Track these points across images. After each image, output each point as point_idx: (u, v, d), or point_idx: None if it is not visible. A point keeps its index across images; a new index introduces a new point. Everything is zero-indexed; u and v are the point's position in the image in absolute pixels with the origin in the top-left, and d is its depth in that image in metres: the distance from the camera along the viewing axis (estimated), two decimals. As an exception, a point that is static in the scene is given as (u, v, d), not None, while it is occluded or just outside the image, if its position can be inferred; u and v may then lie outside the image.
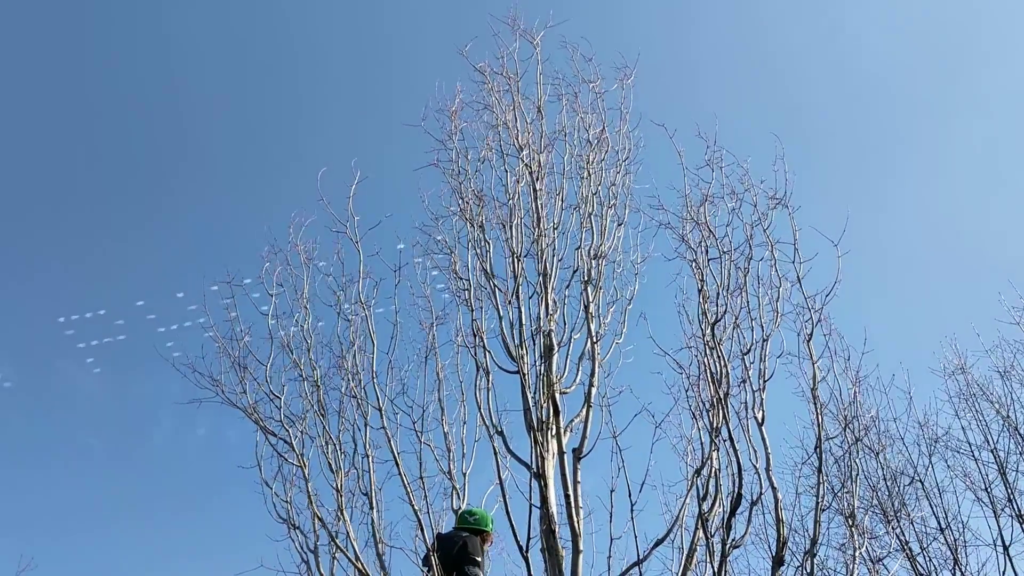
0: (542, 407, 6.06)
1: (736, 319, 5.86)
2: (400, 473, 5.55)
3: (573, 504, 5.59)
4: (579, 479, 5.74)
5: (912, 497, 9.91)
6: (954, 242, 22.02)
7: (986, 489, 9.86)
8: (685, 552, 5.59)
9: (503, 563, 6.86)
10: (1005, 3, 21.80)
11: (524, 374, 6.17)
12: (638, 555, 5.19)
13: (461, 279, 6.82)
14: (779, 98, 22.54)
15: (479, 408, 6.38)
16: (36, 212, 23.79)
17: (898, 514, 9.57)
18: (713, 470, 5.44)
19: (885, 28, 23.03)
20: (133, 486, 21.66)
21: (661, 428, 5.58)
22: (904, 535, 9.56)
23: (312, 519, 6.00)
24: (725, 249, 6.11)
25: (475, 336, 6.51)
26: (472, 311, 6.60)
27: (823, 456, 5.60)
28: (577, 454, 5.83)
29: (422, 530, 5.24)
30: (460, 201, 7.07)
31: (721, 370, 5.56)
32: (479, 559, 5.50)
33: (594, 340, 6.35)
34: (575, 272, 6.73)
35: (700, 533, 5.30)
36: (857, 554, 6.10)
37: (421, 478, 5.82)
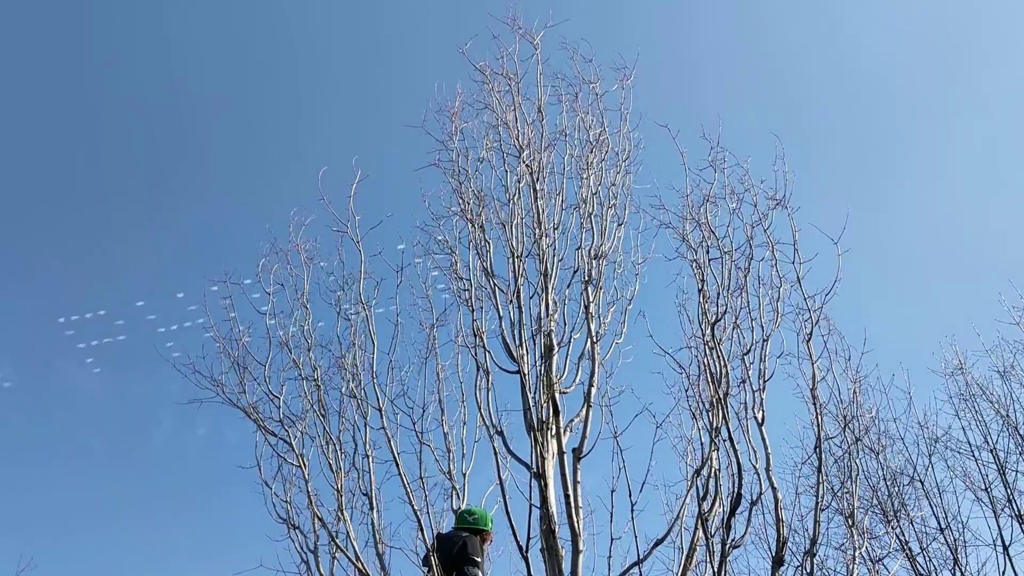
0: (542, 407, 6.07)
1: (736, 319, 5.87)
2: (400, 473, 5.55)
3: (573, 504, 5.59)
4: (579, 479, 5.75)
5: (912, 497, 9.93)
6: (954, 242, 22.04)
7: (986, 489, 9.87)
8: (685, 552, 5.60)
9: (502, 563, 6.87)
10: (1005, 3, 21.81)
11: (524, 374, 6.17)
12: (638, 555, 5.20)
13: (462, 279, 6.82)
14: (779, 98, 22.55)
15: (479, 408, 6.39)
16: (36, 212, 23.81)
17: (898, 514, 9.58)
18: (713, 470, 5.44)
19: (885, 28, 23.05)
20: (133, 486, 21.67)
21: (662, 428, 5.59)
22: (904, 535, 9.58)
23: (312, 519, 6.01)
24: (726, 249, 6.12)
25: (475, 336, 6.52)
26: (472, 311, 6.61)
27: (823, 456, 5.60)
28: (577, 454, 5.83)
29: (422, 530, 5.25)
30: (461, 201, 7.07)
31: (721, 370, 5.57)
32: (479, 559, 5.50)
33: (594, 340, 6.36)
34: (575, 272, 6.74)
35: (700, 533, 5.31)
36: (857, 554, 6.10)
37: (421, 478, 5.83)
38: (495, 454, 5.88)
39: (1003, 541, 9.51)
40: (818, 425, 5.71)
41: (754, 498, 5.33)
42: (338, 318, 6.69)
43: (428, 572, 5.25)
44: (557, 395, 6.12)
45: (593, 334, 6.38)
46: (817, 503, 5.47)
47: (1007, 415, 10.13)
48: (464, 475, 6.67)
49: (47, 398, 22.02)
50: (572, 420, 6.13)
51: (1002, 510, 9.71)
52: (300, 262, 6.94)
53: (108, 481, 22.45)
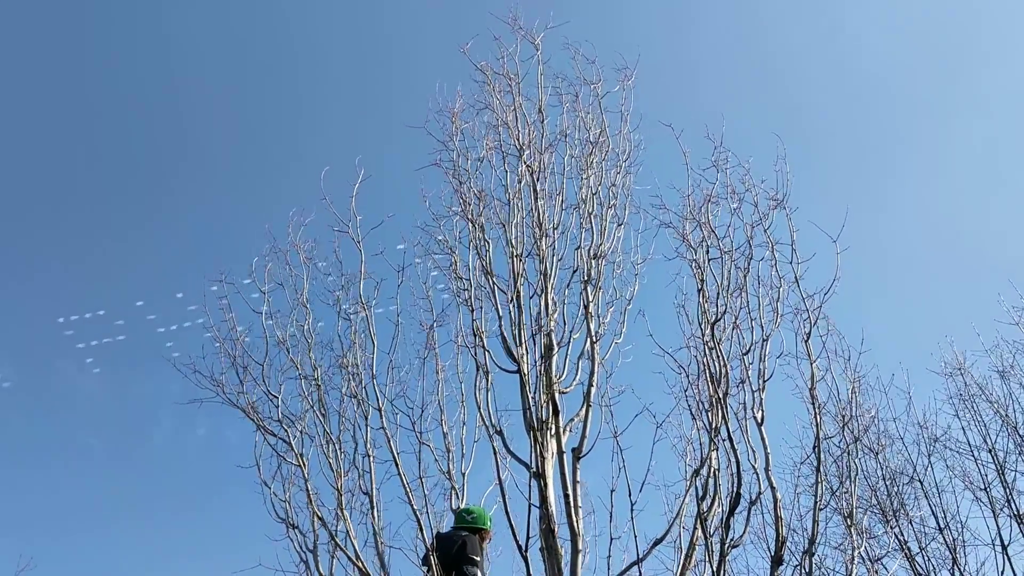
0: (542, 407, 6.08)
1: (736, 319, 5.88)
2: (400, 473, 5.56)
3: (572, 503, 5.60)
4: (578, 478, 5.76)
5: (911, 497, 9.94)
6: (954, 242, 22.05)
7: (985, 489, 9.88)
8: (684, 552, 5.61)
9: (501, 563, 6.88)
10: (1005, 3, 21.82)
11: (524, 373, 6.18)
12: (637, 554, 5.21)
13: (462, 279, 6.83)
14: (779, 98, 22.56)
15: (479, 408, 6.40)
16: (36, 212, 23.80)
17: (897, 514, 9.59)
18: (712, 470, 5.46)
19: (885, 28, 23.05)
20: (133, 486, 21.67)
21: (661, 428, 5.60)
22: (903, 535, 9.59)
23: (311, 518, 6.03)
24: (726, 249, 6.13)
25: (475, 336, 6.53)
26: (472, 311, 6.62)
27: (821, 456, 5.62)
28: (576, 454, 5.84)
29: (421, 530, 5.26)
30: (461, 201, 7.08)
31: (721, 370, 5.58)
32: (478, 558, 5.51)
33: (593, 340, 6.37)
34: (575, 272, 6.76)
35: (699, 532, 5.32)
36: (856, 553, 6.11)
37: (420, 478, 5.84)
38: (495, 454, 5.88)
39: (1002, 541, 9.52)
40: (817, 425, 5.73)
41: (753, 498, 5.34)
42: (338, 318, 6.72)
43: (428, 572, 5.27)
44: (557, 395, 6.13)
45: (593, 334, 6.39)
46: (816, 503, 5.48)
47: (1006, 415, 10.15)
48: (464, 475, 6.69)
49: (47, 398, 22.04)
50: (572, 420, 6.15)
51: (1001, 510, 9.73)
52: (299, 262, 6.96)
53: (108, 481, 22.47)
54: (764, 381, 5.71)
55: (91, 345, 14.22)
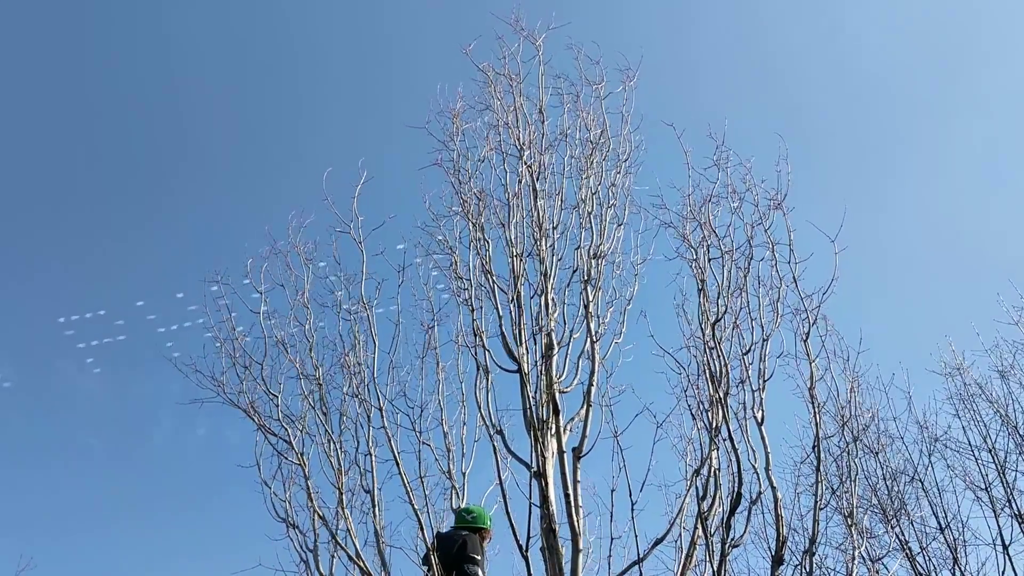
0: (542, 406, 6.08)
1: (735, 319, 5.88)
2: (400, 472, 5.57)
3: (573, 503, 5.60)
4: (579, 478, 5.76)
5: (911, 497, 9.94)
6: (954, 242, 22.04)
7: (986, 489, 9.88)
8: (684, 551, 5.61)
9: (501, 563, 6.89)
10: (1005, 3, 21.83)
11: (525, 373, 6.19)
12: (638, 554, 5.21)
13: (462, 279, 6.84)
14: (780, 98, 22.57)
15: (479, 407, 6.41)
16: (36, 212, 23.80)
17: (898, 513, 9.59)
18: (712, 469, 5.46)
19: (885, 28, 23.06)
20: (133, 486, 21.67)
21: (662, 428, 5.60)
22: (904, 534, 9.59)
23: (312, 517, 6.03)
24: (726, 249, 6.13)
25: (475, 336, 6.54)
26: (472, 311, 6.62)
27: (821, 455, 5.62)
28: (577, 453, 5.84)
29: (422, 529, 5.26)
30: (462, 201, 7.09)
31: (721, 370, 5.58)
32: (478, 557, 5.52)
33: (594, 340, 6.38)
34: (575, 272, 6.76)
35: (700, 532, 5.32)
36: (856, 553, 6.12)
37: (421, 478, 5.84)
38: (495, 453, 5.88)
39: (1003, 540, 9.52)
40: (816, 424, 5.73)
41: (754, 497, 5.35)
42: (338, 318, 6.73)
43: (428, 571, 5.27)
44: (557, 394, 6.13)
45: (593, 334, 6.39)
46: (816, 502, 5.49)
47: (1006, 415, 10.15)
48: (464, 474, 6.70)
49: (47, 398, 22.04)
50: (572, 419, 6.15)
51: (1002, 510, 9.72)
52: (300, 263, 6.97)
53: (108, 481, 22.47)
54: (764, 381, 5.72)
55: (91, 345, 14.23)
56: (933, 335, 13.85)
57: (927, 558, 9.56)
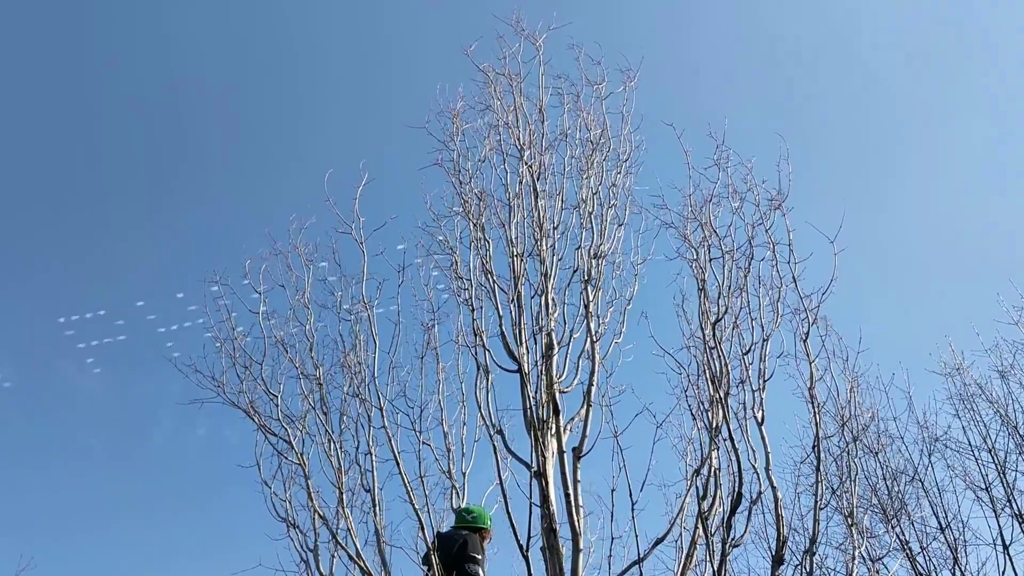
0: (542, 406, 6.09)
1: (736, 319, 5.89)
2: (401, 472, 5.57)
3: (573, 503, 5.61)
4: (579, 478, 5.76)
5: (912, 496, 9.95)
6: (954, 242, 22.04)
7: (986, 488, 9.88)
8: (685, 551, 5.62)
9: (500, 563, 6.89)
10: (1005, 3, 21.83)
11: (525, 373, 6.19)
12: (638, 554, 5.22)
13: (462, 279, 6.85)
14: (781, 97, 22.58)
15: (479, 407, 6.42)
16: (36, 212, 23.81)
17: (898, 513, 9.59)
18: (713, 469, 5.46)
19: (885, 28, 23.06)
20: (133, 486, 21.68)
21: (662, 428, 5.61)
22: (904, 534, 9.59)
23: (312, 517, 6.03)
24: (727, 249, 6.14)
25: (476, 336, 6.54)
26: (473, 311, 6.63)
27: (821, 455, 5.62)
28: (577, 453, 5.85)
29: (422, 529, 5.27)
30: (462, 201, 7.10)
31: (721, 369, 5.58)
32: (479, 557, 5.52)
33: (594, 339, 6.38)
34: (575, 272, 6.77)
35: (700, 532, 5.32)
36: (856, 553, 6.12)
37: (421, 477, 5.84)
38: (495, 453, 5.89)
39: (1003, 540, 9.52)
40: (816, 424, 5.74)
41: (754, 497, 5.35)
42: (338, 319, 6.73)
43: (428, 571, 5.27)
44: (557, 394, 6.14)
45: (593, 333, 6.40)
46: (816, 502, 5.49)
47: (1006, 415, 10.15)
48: (464, 474, 6.70)
49: (47, 398, 22.04)
50: (572, 419, 6.16)
51: (1002, 509, 9.73)
52: (301, 264, 6.98)
53: (108, 481, 22.48)
54: (764, 381, 5.72)
55: (91, 345, 14.25)
56: (933, 335, 13.87)
57: (927, 558, 9.58)
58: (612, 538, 5.17)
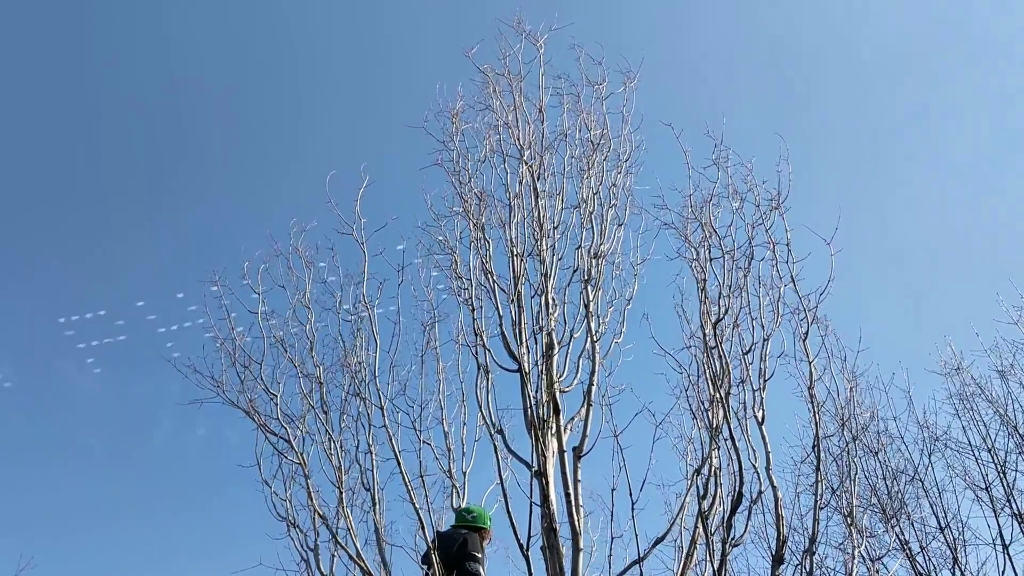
0: (543, 405, 6.09)
1: (736, 319, 5.89)
2: (401, 471, 5.58)
3: (573, 502, 5.61)
4: (579, 477, 5.77)
5: (912, 496, 9.95)
6: (954, 242, 22.04)
7: (986, 488, 9.88)
8: (685, 551, 5.63)
9: (500, 563, 6.90)
10: (1006, 3, 21.84)
11: (525, 372, 6.20)
12: (638, 553, 5.22)
13: (462, 279, 6.85)
14: (782, 97, 22.59)
15: (480, 407, 6.42)
16: (36, 212, 23.81)
17: (897, 513, 9.60)
18: (713, 469, 5.47)
19: (886, 28, 23.07)
20: (133, 486, 21.68)
21: (661, 428, 5.61)
22: (903, 534, 9.59)
23: (312, 517, 6.04)
24: (727, 249, 6.15)
25: (476, 335, 6.55)
26: (473, 310, 6.63)
27: (821, 455, 5.63)
28: (577, 452, 5.85)
29: (423, 528, 5.27)
30: (462, 201, 7.10)
31: (722, 369, 5.59)
32: (479, 555, 5.53)
33: (594, 339, 6.39)
34: (575, 271, 6.78)
35: (700, 531, 5.33)
36: (856, 553, 6.13)
37: (421, 476, 5.85)
38: (495, 452, 5.90)
39: (1003, 540, 9.52)
40: (815, 424, 5.74)
41: (754, 497, 5.36)
42: (339, 319, 6.74)
43: (428, 570, 5.27)
44: (557, 394, 6.14)
45: (593, 333, 6.41)
46: (816, 502, 5.49)
47: (1006, 415, 10.16)
48: (464, 474, 6.71)
49: (47, 398, 22.05)
50: (572, 419, 6.16)
51: (1002, 509, 9.73)
52: (301, 264, 6.98)
53: (108, 481, 22.48)
54: (765, 380, 5.73)
55: (91, 345, 14.26)
56: (933, 335, 13.86)
57: (927, 558, 9.58)
58: (612, 537, 5.18)
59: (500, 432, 6.18)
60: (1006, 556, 9.44)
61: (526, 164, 7.17)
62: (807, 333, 5.93)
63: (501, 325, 6.51)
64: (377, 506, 5.94)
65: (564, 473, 5.76)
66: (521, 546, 5.31)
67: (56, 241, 24.16)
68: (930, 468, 10.06)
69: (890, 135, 23.37)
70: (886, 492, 9.73)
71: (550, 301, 6.60)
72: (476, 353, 6.54)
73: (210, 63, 24.37)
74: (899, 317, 18.23)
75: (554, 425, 6.00)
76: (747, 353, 5.79)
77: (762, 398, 5.67)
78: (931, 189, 23.29)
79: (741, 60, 23.58)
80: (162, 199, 25.36)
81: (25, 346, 21.02)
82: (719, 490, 5.45)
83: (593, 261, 6.74)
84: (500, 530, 5.87)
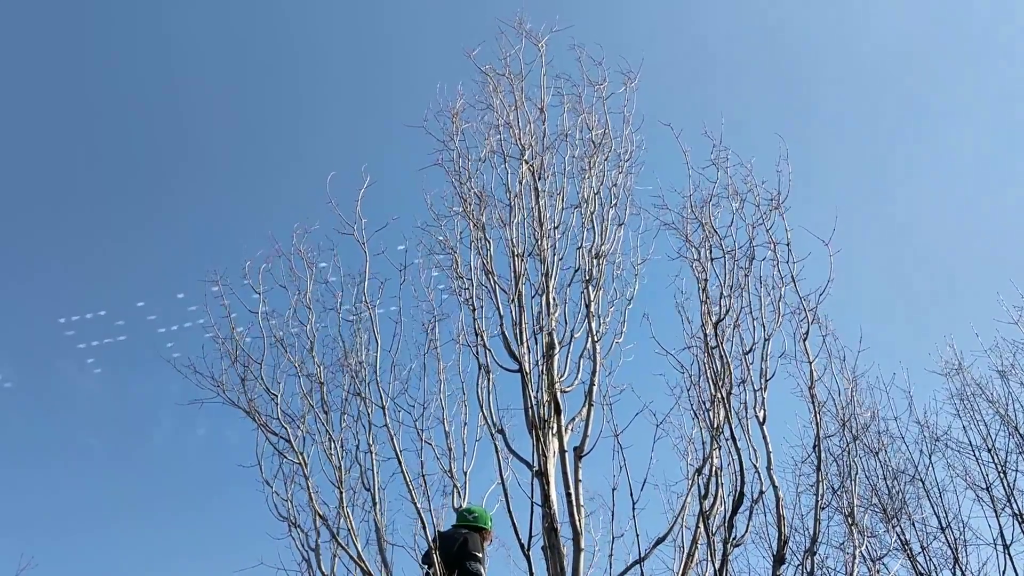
0: (543, 405, 6.09)
1: (737, 319, 5.89)
2: (402, 471, 5.58)
3: (574, 502, 5.62)
4: (580, 477, 5.77)
5: (912, 496, 9.95)
6: (954, 241, 22.04)
7: (986, 488, 9.88)
8: (686, 551, 5.63)
9: (500, 563, 6.90)
10: (1006, 3, 21.85)
11: (526, 372, 6.20)
12: (639, 553, 5.22)
13: (463, 279, 6.85)
14: (782, 96, 22.59)
15: (480, 406, 6.42)
16: (36, 212, 23.80)
17: (898, 513, 9.60)
18: (714, 469, 5.47)
19: (886, 27, 23.07)
20: (133, 486, 21.66)
21: (662, 428, 5.62)
22: (904, 534, 9.59)
23: (313, 517, 6.04)
24: (728, 249, 6.15)
25: (477, 335, 6.55)
26: (474, 310, 6.63)
27: (822, 455, 5.63)
28: (578, 452, 5.85)
29: (424, 528, 5.27)
30: (463, 201, 7.10)
31: (723, 369, 5.59)
32: (480, 555, 5.52)
33: (595, 339, 6.39)
34: (576, 271, 6.78)
35: (701, 531, 5.33)
36: (857, 553, 6.12)
37: (423, 476, 5.85)
38: (496, 452, 5.90)
39: (1004, 540, 9.52)
40: (816, 424, 5.74)
41: (755, 497, 5.36)
42: (339, 318, 6.74)
43: (429, 570, 5.27)
44: (558, 394, 6.14)
45: (594, 333, 6.41)
46: (817, 502, 5.49)
47: (1006, 414, 10.16)
48: (465, 473, 6.70)
49: (47, 398, 22.03)
50: (573, 419, 6.16)
51: (1002, 509, 9.73)
52: (303, 265, 6.99)
53: (108, 481, 22.47)
54: (766, 380, 5.73)
55: (92, 345, 14.26)
56: (933, 335, 13.86)
57: (928, 558, 9.58)
58: (613, 537, 5.19)
59: (501, 432, 6.18)
60: (1007, 556, 9.45)
61: (527, 163, 7.17)
62: (807, 333, 5.93)
63: (502, 325, 6.52)
64: (378, 506, 5.94)
65: (565, 473, 5.76)
66: (522, 546, 5.31)
67: (56, 241, 24.16)
68: (931, 468, 10.07)
69: (890, 135, 23.38)
70: (887, 492, 9.73)
71: (551, 301, 6.60)
72: (477, 353, 6.54)
73: (210, 63, 24.38)
74: (899, 317, 18.23)
75: (555, 425, 6.00)
76: (748, 353, 5.79)
77: (763, 398, 5.67)
78: (931, 189, 23.29)
79: (741, 60, 23.58)
80: (162, 199, 25.36)
81: (25, 346, 21.02)
82: (720, 490, 5.45)
83: (594, 261, 6.74)
84: (501, 530, 5.88)
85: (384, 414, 5.88)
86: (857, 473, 6.58)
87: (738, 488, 5.25)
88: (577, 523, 5.55)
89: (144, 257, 25.38)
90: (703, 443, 5.60)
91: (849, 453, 6.60)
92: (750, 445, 5.46)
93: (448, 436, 6.73)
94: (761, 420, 5.60)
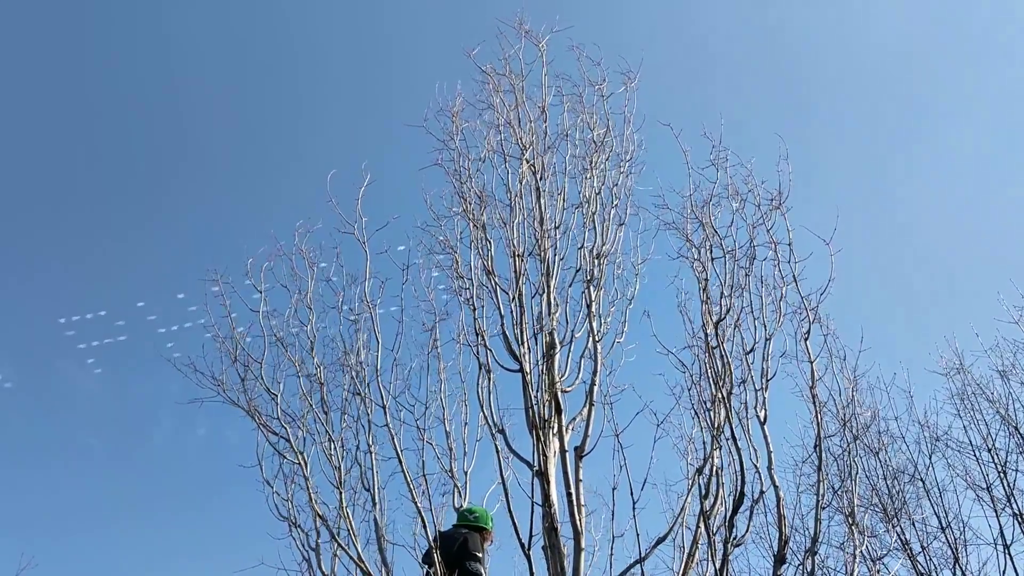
0: (544, 405, 6.09)
1: (737, 319, 5.89)
2: (403, 470, 5.58)
3: (575, 502, 5.62)
4: (581, 477, 5.77)
5: (913, 496, 9.95)
6: (954, 241, 22.03)
7: (987, 488, 9.89)
8: (686, 551, 5.63)
9: (500, 564, 6.89)
10: (1006, 3, 21.85)
11: (526, 372, 6.20)
12: (640, 553, 5.22)
13: (463, 278, 6.85)
14: (780, 96, 22.58)
15: (481, 406, 6.42)
16: (36, 212, 23.79)
17: (899, 513, 9.60)
18: (715, 469, 5.47)
19: (886, 27, 23.08)
20: (133, 486, 21.65)
21: (662, 427, 5.62)
22: (905, 534, 9.60)
23: (313, 517, 6.04)
24: (728, 248, 6.15)
25: (477, 335, 6.55)
26: (474, 310, 6.63)
27: (822, 454, 5.63)
28: (579, 452, 5.85)
29: (424, 527, 5.27)
30: (463, 201, 7.10)
31: (724, 369, 5.59)
32: (480, 555, 5.53)
33: (596, 339, 6.39)
34: (577, 271, 6.78)
35: (702, 531, 5.33)
36: (857, 553, 6.12)
37: (423, 475, 5.85)
38: (497, 452, 5.91)
39: (1004, 540, 9.53)
40: (817, 424, 5.74)
41: (756, 497, 5.36)
42: (340, 318, 6.74)
43: (430, 569, 5.27)
44: (559, 394, 6.14)
45: (595, 333, 6.41)
46: (817, 502, 5.50)
47: (1007, 414, 10.16)
48: (466, 473, 6.69)
49: (47, 398, 22.02)
50: (574, 418, 6.16)
51: (1003, 509, 9.73)
52: (304, 265, 6.99)
53: (108, 481, 22.46)
54: (767, 380, 5.73)
55: (92, 345, 14.25)
56: (934, 335, 13.86)
57: (928, 558, 9.59)
58: (614, 537, 5.19)
59: (502, 432, 6.18)
60: (1007, 556, 9.46)
61: (528, 163, 7.17)
62: (808, 333, 5.93)
63: (502, 325, 6.51)
64: (377, 505, 5.94)
65: (566, 473, 5.76)
66: (522, 545, 5.31)
67: (56, 241, 24.14)
68: (931, 468, 10.08)
69: (890, 135, 23.37)
70: (887, 492, 9.73)
71: (551, 301, 6.60)
72: (477, 353, 6.55)
73: (210, 63, 24.36)
74: (900, 317, 18.23)
75: (556, 425, 6.00)
76: (749, 353, 5.79)
77: (764, 398, 5.67)
78: (931, 189, 23.29)
79: (741, 60, 23.57)
80: (162, 199, 25.33)
81: (25, 346, 21.01)
82: (721, 490, 5.45)
83: (595, 261, 6.74)
84: (502, 529, 5.88)
85: (385, 413, 5.88)
86: (857, 473, 6.57)
87: (739, 488, 5.26)
88: (578, 523, 5.55)
89: (144, 257, 25.37)
90: (704, 443, 5.61)
91: (849, 453, 6.59)
92: (751, 445, 5.47)
93: (449, 436, 6.74)
94: (762, 420, 5.60)
